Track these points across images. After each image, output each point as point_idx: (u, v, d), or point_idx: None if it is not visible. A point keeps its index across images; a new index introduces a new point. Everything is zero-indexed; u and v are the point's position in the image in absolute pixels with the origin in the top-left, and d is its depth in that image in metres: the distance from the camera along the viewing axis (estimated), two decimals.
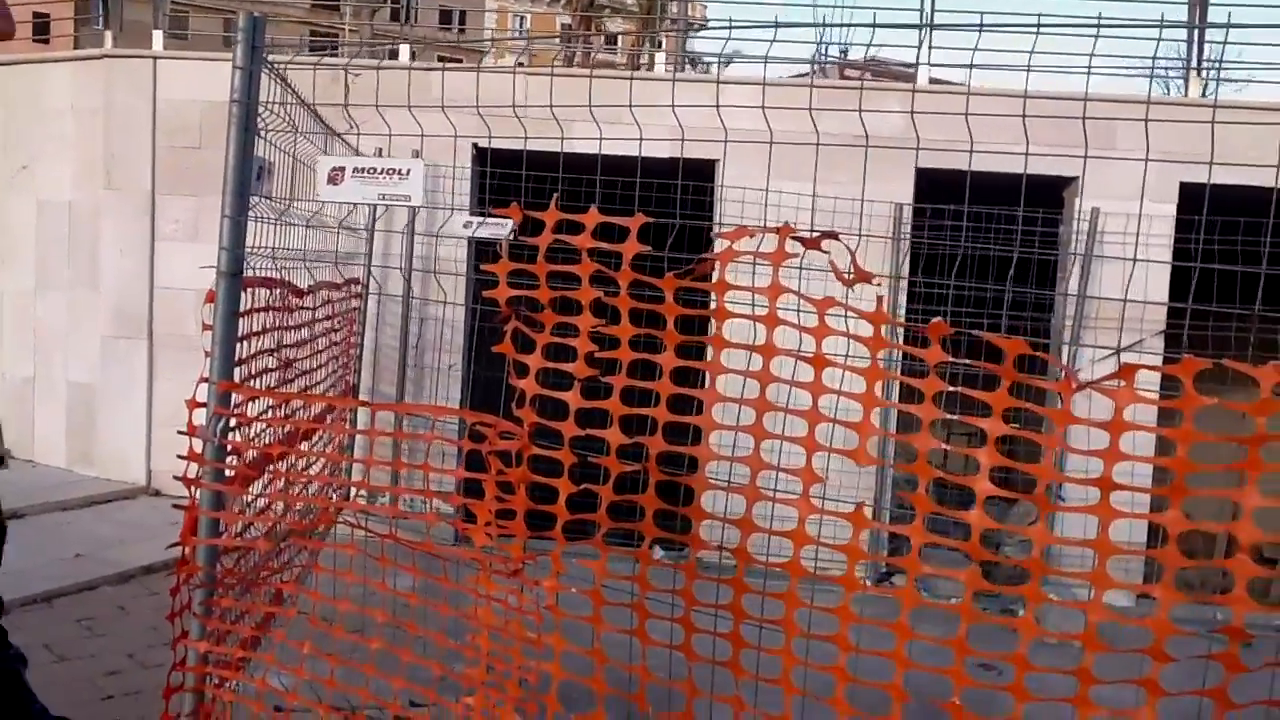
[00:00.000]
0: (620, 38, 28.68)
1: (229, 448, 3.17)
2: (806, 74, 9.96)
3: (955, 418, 2.32)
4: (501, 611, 2.97)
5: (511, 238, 3.06)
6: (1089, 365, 6.46)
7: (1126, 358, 6.01)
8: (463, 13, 44.37)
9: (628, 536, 2.80)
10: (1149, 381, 4.25)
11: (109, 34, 8.84)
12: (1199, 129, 3.52)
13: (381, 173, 4.14)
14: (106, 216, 8.52)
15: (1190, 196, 6.33)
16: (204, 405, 3.12)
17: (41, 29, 20.72)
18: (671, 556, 4.29)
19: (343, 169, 4.14)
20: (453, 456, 3.12)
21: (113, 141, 8.43)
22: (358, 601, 3.03)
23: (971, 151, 2.97)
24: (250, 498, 3.47)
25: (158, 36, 8.75)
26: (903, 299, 6.94)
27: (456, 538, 3.45)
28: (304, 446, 4.31)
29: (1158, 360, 6.08)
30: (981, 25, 2.98)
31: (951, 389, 2.28)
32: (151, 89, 8.32)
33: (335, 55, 13.46)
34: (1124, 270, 4.70)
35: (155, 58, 8.46)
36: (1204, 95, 7.29)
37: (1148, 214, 6.45)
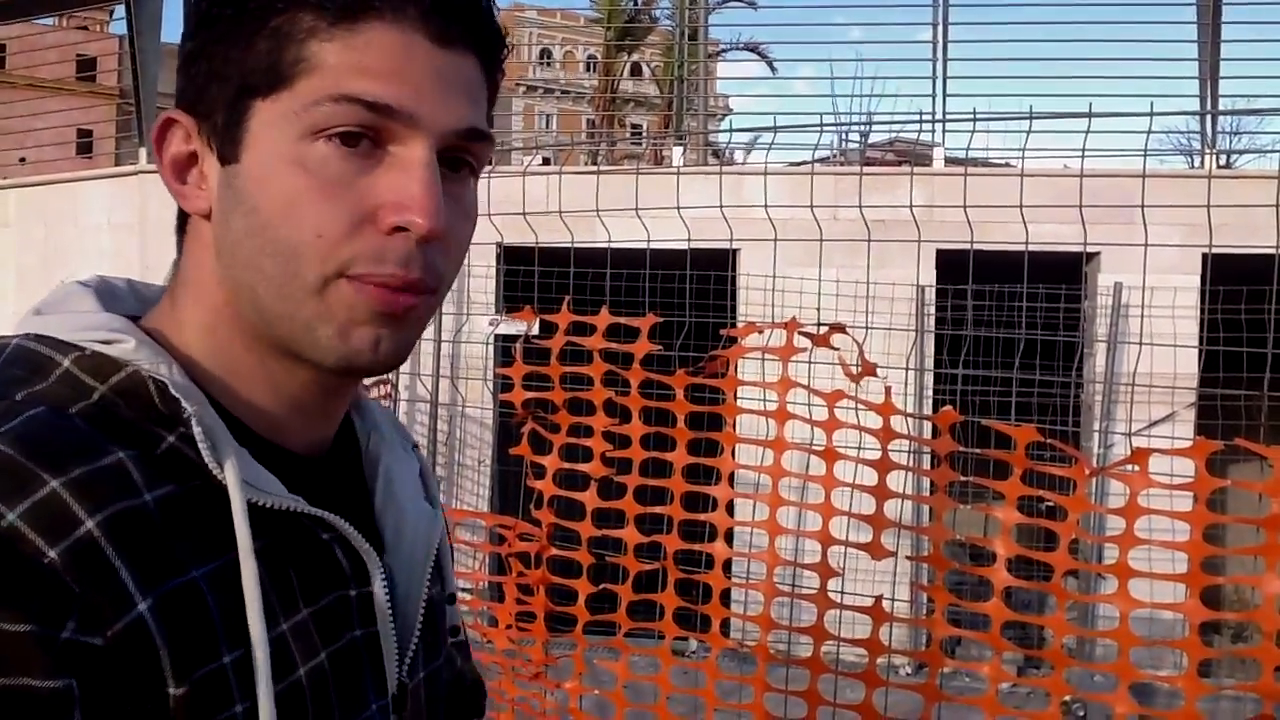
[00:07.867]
0: (645, 128, 29.17)
1: None
2: (827, 158, 10.07)
3: (966, 506, 2.30)
4: (524, 715, 2.94)
5: (525, 339, 3.11)
6: (1123, 440, 6.38)
7: (1159, 430, 5.94)
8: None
9: (648, 635, 2.78)
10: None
11: (143, 150, 9.11)
12: (1221, 200, 3.52)
13: None
14: None
15: (1215, 267, 6.31)
16: None
17: (85, 147, 21.42)
18: (693, 654, 4.23)
19: None
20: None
21: (148, 254, 8.63)
22: None
23: (971, 231, 2.98)
24: None
25: None
26: (930, 380, 6.90)
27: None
28: None
29: (1189, 432, 5.99)
30: (975, 116, 3.03)
31: (964, 479, 2.27)
32: None
33: None
34: (1148, 345, 4.66)
35: None
36: (1225, 166, 7.28)
37: (1172, 286, 6.41)
